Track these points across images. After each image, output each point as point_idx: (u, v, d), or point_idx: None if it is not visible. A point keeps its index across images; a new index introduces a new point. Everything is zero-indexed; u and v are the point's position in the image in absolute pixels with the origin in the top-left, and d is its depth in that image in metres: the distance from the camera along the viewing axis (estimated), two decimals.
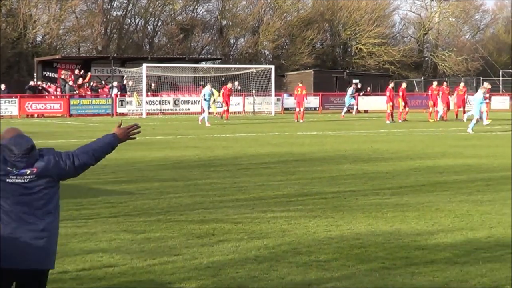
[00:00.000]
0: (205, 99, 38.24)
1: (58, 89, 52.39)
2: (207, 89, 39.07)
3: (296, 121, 40.16)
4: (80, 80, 52.99)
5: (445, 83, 44.59)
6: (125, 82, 53.31)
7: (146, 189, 13.61)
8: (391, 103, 39.51)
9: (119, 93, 50.89)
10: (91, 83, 53.48)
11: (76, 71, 55.51)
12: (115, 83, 52.08)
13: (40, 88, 51.49)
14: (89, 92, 52.13)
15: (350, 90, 49.46)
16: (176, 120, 42.96)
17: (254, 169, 16.97)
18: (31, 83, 52.06)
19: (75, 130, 32.70)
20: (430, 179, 15.03)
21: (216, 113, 45.40)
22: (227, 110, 43.72)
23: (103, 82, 54.59)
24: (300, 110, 41.28)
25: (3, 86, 49.85)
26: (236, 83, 55.68)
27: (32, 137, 5.72)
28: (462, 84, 43.56)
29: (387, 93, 40.18)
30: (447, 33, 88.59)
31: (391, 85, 41.28)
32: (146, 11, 75.32)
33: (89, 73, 53.69)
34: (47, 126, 36.84)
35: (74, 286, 7.13)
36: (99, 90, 53.00)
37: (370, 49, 79.97)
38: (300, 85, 43.37)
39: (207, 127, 34.72)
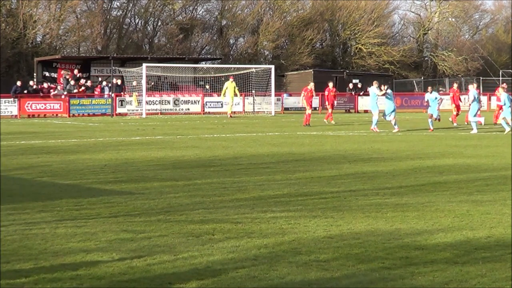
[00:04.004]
0: (376, 98, 32.44)
1: (60, 89, 52.35)
2: (374, 87, 32.45)
3: (327, 121, 38.89)
4: (82, 81, 53.00)
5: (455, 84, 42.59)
6: (114, 80, 52.89)
7: (146, 189, 13.60)
8: (454, 105, 37.16)
9: (112, 93, 50.63)
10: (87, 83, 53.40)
11: (76, 71, 55.51)
12: (104, 83, 52.02)
13: (41, 88, 51.51)
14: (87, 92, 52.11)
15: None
16: (176, 120, 42.96)
17: (254, 169, 16.97)
18: (31, 83, 51.99)
19: (75, 130, 32.66)
20: (430, 179, 15.02)
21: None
22: (309, 114, 36.57)
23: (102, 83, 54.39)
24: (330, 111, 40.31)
25: (19, 83, 49.89)
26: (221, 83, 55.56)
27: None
28: None
29: (450, 94, 38.63)
30: (447, 33, 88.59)
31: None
32: (146, 11, 75.31)
33: (83, 88, 53.09)
34: (47, 126, 36.83)
35: (74, 286, 7.13)
36: (95, 88, 52.86)
37: (369, 49, 79.96)
38: (331, 86, 42.23)
39: (377, 132, 30.92)
